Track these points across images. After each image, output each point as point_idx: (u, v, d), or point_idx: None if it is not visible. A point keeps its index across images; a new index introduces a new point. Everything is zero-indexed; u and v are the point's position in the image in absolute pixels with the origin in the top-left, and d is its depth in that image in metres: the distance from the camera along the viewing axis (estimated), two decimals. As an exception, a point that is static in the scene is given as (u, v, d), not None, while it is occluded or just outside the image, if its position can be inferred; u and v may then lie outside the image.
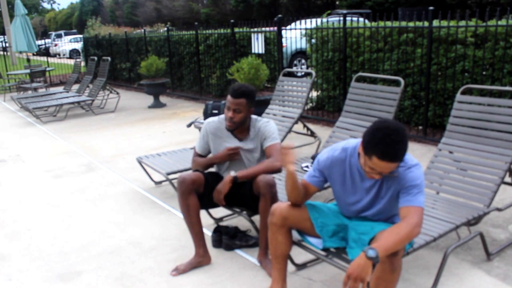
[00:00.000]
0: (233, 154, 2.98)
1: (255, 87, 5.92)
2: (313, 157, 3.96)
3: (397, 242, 1.94)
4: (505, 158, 2.93)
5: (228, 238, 3.18)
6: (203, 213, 3.27)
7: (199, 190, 2.89)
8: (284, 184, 2.39)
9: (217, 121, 3.08)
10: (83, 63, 14.76)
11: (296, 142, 5.39)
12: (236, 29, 8.83)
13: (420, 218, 2.04)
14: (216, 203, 2.96)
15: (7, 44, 18.39)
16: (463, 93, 3.31)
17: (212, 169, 3.18)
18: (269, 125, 3.00)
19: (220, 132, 3.05)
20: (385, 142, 1.96)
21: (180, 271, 2.92)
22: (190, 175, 2.85)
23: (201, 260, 2.97)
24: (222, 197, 2.84)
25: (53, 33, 35.81)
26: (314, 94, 7.37)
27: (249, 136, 3.01)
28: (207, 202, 2.98)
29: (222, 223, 3.62)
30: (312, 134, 4.89)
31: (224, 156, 2.99)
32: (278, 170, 2.87)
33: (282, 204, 2.41)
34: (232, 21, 8.74)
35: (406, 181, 2.11)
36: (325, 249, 2.43)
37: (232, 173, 2.84)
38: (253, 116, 3.05)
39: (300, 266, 2.89)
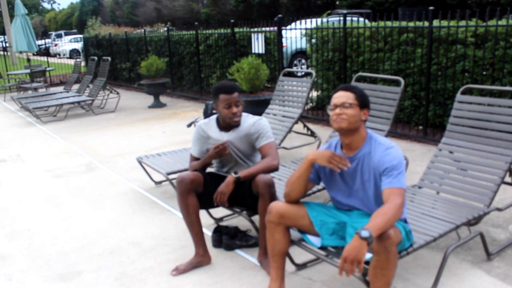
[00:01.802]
0: (222, 150, 2.94)
1: (255, 87, 5.93)
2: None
3: (386, 221, 2.02)
4: (505, 158, 2.93)
5: (228, 238, 3.18)
6: (203, 213, 3.28)
7: (198, 189, 2.89)
8: (290, 176, 2.42)
9: (208, 122, 3.11)
10: (83, 63, 14.77)
11: (296, 142, 5.40)
12: (236, 29, 8.83)
13: (402, 199, 2.14)
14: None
15: (7, 44, 18.40)
16: (463, 93, 3.31)
17: (211, 169, 3.18)
18: (262, 122, 3.01)
19: (212, 131, 3.06)
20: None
21: (180, 271, 2.92)
22: (189, 175, 2.85)
23: (201, 260, 2.97)
24: (226, 199, 2.81)
25: (53, 33, 35.81)
26: (314, 94, 7.37)
27: (239, 129, 3.01)
28: (207, 202, 2.97)
29: (222, 223, 3.62)
30: (312, 134, 4.89)
31: (213, 154, 2.95)
32: (276, 169, 2.89)
33: (279, 202, 2.44)
34: (232, 21, 8.74)
35: (385, 161, 2.25)
36: (323, 248, 2.44)
37: (234, 174, 2.84)
38: (243, 113, 3.08)
39: (300, 266, 2.88)
